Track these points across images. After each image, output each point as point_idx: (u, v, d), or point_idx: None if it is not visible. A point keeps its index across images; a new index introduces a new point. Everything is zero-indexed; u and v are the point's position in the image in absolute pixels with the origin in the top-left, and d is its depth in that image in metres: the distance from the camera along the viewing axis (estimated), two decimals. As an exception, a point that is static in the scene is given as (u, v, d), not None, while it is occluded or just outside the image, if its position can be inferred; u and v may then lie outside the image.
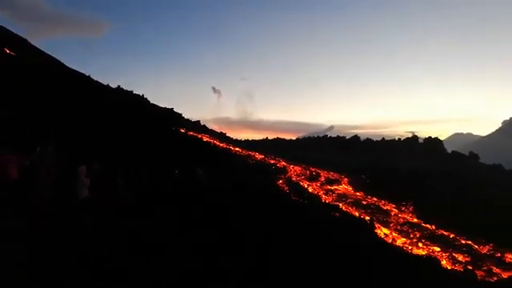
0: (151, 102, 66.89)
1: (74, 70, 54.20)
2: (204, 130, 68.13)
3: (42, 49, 52.90)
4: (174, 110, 69.61)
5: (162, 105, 68.03)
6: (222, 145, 53.18)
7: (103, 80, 66.24)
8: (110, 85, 65.03)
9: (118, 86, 67.68)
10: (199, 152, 37.28)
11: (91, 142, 22.32)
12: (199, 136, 53.29)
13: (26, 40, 50.52)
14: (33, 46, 51.11)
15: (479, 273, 19.22)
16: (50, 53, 53.35)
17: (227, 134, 75.69)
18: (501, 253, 22.63)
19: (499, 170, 73.42)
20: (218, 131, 74.73)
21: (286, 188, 33.91)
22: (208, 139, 54.15)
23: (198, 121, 72.77)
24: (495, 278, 18.70)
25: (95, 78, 61.24)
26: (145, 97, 67.54)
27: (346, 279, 12.03)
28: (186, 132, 50.94)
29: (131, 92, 67.37)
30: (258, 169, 40.87)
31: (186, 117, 70.70)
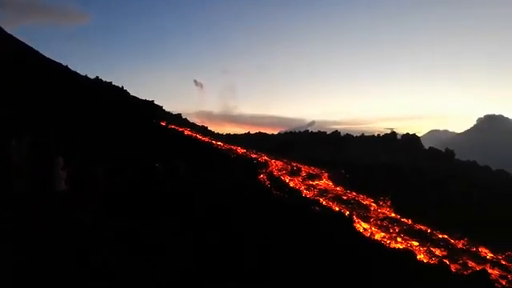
0: (131, 94, 65.62)
1: (51, 60, 52.52)
2: (186, 123, 67.49)
3: (16, 36, 50.97)
4: (155, 102, 68.61)
5: (142, 97, 66.77)
6: (203, 139, 52.88)
7: (81, 71, 64.48)
8: (89, 75, 63.47)
9: (97, 77, 66.05)
10: (180, 146, 36.95)
11: (68, 135, 21.78)
12: (181, 129, 52.79)
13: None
14: (6, 33, 49.24)
15: (454, 266, 19.91)
16: (25, 41, 51.43)
17: (209, 128, 75.20)
18: (476, 247, 23.50)
19: (474, 166, 75.87)
20: (200, 125, 74.17)
21: (268, 182, 34.09)
22: (190, 133, 53.72)
23: (180, 114, 71.97)
24: (469, 271, 19.42)
25: (73, 69, 59.60)
26: (124, 88, 66.19)
27: (322, 272, 12.27)
28: (167, 125, 50.34)
29: (110, 83, 65.89)
30: (239, 163, 40.86)
31: (167, 110, 69.77)
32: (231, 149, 50.05)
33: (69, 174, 11.13)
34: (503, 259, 22.11)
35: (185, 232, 11.52)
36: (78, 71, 60.23)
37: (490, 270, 19.94)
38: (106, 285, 7.10)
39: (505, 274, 19.77)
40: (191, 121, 74.79)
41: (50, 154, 11.48)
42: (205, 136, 56.56)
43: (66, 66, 57.51)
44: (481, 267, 19.96)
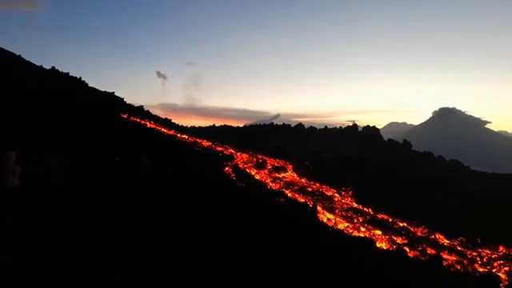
0: (89, 85, 62.90)
1: (2, 49, 49.30)
2: (148, 115, 65.65)
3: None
4: (115, 94, 66.21)
5: (101, 89, 64.19)
6: (167, 131, 51.79)
7: (36, 61, 60.65)
8: (44, 66, 60.08)
9: (53, 68, 62.69)
10: (143, 138, 35.98)
11: (22, 128, 20.62)
12: (143, 122, 51.35)
13: None
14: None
15: (414, 252, 20.91)
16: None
17: (173, 121, 73.61)
18: (434, 235, 24.79)
19: (430, 156, 79.75)
20: (163, 117, 72.36)
21: (233, 175, 34.04)
22: (152, 125, 52.40)
23: (142, 106, 69.80)
24: (427, 257, 20.46)
25: (27, 59, 56.23)
26: (82, 79, 63.31)
27: (285, 259, 12.51)
28: (128, 118, 48.79)
29: (67, 74, 62.76)
30: (204, 156, 40.49)
31: (128, 102, 67.51)
32: (196, 142, 49.44)
33: (23, 169, 10.50)
34: (458, 245, 23.48)
35: (146, 225, 11.35)
36: (31, 61, 57.05)
37: (447, 256, 21.13)
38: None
39: (461, 259, 21.01)
40: (154, 113, 72.85)
41: (1, 149, 10.79)
42: (169, 129, 55.41)
43: (19, 56, 54.22)
44: (440, 253, 21.11)
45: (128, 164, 19.32)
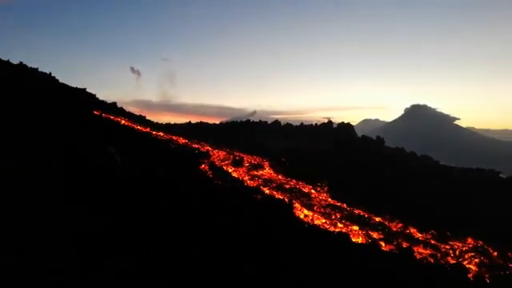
0: (60, 81, 60.80)
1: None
2: (121, 112, 64.17)
3: None
4: (87, 90, 64.32)
5: (73, 84, 62.18)
6: (141, 128, 50.79)
7: (2, 55, 58.01)
8: (11, 61, 57.53)
9: (21, 63, 60.14)
10: (117, 136, 35.13)
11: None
12: (116, 119, 50.14)
13: None
14: None
15: (389, 246, 21.44)
16: None
17: (147, 118, 72.30)
18: (409, 229, 25.51)
19: (401, 152, 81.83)
20: (138, 114, 70.95)
21: (209, 172, 33.81)
22: (126, 122, 51.26)
23: (115, 103, 68.11)
24: (400, 250, 21.05)
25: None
26: (53, 75, 61.11)
27: (262, 254, 12.56)
28: (100, 114, 47.50)
29: (36, 69, 60.41)
30: (180, 153, 40.01)
31: (101, 98, 65.78)
32: (172, 139, 48.76)
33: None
34: (432, 239, 24.27)
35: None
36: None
37: (422, 250, 21.82)
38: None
39: (435, 253, 21.73)
40: (128, 110, 71.32)
41: None
42: (143, 126, 54.35)
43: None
44: (415, 247, 21.74)
45: (100, 162, 18.81)
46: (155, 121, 75.85)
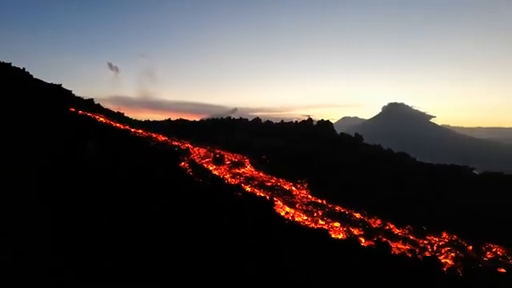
0: (34, 76, 58.68)
1: None
2: (99, 109, 62.63)
3: None
4: (63, 86, 62.32)
5: (48, 81, 60.12)
6: (119, 125, 49.76)
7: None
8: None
9: (-9, 58, 57.67)
10: (93, 133, 34.28)
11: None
12: (92, 116, 48.92)
13: None
14: None
15: (368, 242, 21.81)
16: None
17: (126, 114, 70.81)
18: (388, 225, 26.03)
19: (379, 149, 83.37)
20: (115, 111, 69.40)
21: (189, 170, 33.48)
22: (104, 119, 50.09)
23: (92, 99, 66.37)
24: (379, 246, 21.44)
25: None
26: (26, 70, 58.92)
27: (243, 250, 12.55)
28: (76, 111, 46.22)
29: (9, 64, 58.10)
30: (160, 151, 39.43)
31: (77, 95, 63.85)
32: (151, 136, 48.00)
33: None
34: (410, 234, 24.85)
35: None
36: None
37: (401, 246, 22.33)
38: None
39: (413, 248, 22.26)
40: (106, 107, 69.63)
41: None
42: (121, 123, 53.26)
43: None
44: (394, 243, 22.22)
45: (77, 159, 18.32)
46: (134, 118, 74.48)
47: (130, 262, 8.40)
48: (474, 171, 62.90)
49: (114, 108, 75.41)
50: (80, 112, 46.76)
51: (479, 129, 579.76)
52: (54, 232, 8.61)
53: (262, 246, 14.26)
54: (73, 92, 63.10)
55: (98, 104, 67.12)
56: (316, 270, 14.34)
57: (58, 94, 55.66)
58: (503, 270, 20.01)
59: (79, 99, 62.19)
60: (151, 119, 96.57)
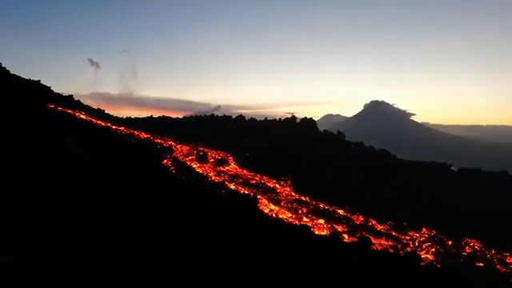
0: (11, 72, 56.88)
1: None
2: (78, 105, 61.24)
3: None
4: (41, 82, 60.65)
5: (26, 76, 58.39)
6: (100, 122, 48.77)
7: None
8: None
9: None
10: (73, 130, 33.49)
11: None
12: (72, 112, 47.80)
13: None
14: None
15: (351, 238, 22.11)
16: None
17: (107, 111, 69.53)
18: (370, 221, 26.46)
19: (360, 146, 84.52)
20: (96, 107, 68.02)
21: (172, 168, 33.15)
22: (84, 116, 49.02)
23: (71, 95, 64.86)
24: (361, 242, 21.75)
25: None
26: (3, 66, 57.08)
27: (225, 247, 12.53)
28: (55, 108, 45.08)
29: (-16, 60, 56.05)
30: (141, 148, 38.87)
31: (56, 91, 62.20)
32: (133, 134, 47.26)
33: None
34: (392, 230, 25.30)
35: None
36: None
37: (384, 242, 22.72)
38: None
39: (395, 244, 22.67)
40: (86, 103, 68.15)
41: None
42: (102, 120, 52.21)
43: None
44: (377, 239, 22.58)
45: (57, 156, 17.84)
46: (115, 115, 73.20)
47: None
48: (452, 167, 64.40)
49: (94, 105, 73.97)
50: (59, 109, 45.62)
51: (458, 126, 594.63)
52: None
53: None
54: (52, 88, 61.60)
55: (78, 100, 65.74)
56: (300, 266, 14.42)
57: (37, 90, 54.14)
58: (481, 264, 20.64)
59: (58, 95, 60.65)
60: (133, 116, 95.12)
